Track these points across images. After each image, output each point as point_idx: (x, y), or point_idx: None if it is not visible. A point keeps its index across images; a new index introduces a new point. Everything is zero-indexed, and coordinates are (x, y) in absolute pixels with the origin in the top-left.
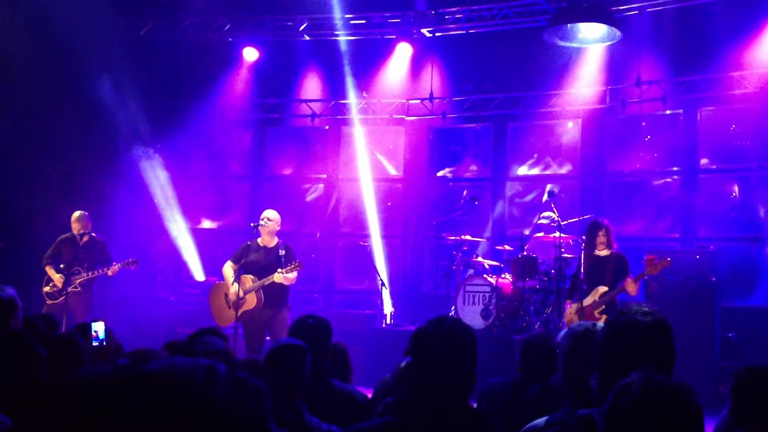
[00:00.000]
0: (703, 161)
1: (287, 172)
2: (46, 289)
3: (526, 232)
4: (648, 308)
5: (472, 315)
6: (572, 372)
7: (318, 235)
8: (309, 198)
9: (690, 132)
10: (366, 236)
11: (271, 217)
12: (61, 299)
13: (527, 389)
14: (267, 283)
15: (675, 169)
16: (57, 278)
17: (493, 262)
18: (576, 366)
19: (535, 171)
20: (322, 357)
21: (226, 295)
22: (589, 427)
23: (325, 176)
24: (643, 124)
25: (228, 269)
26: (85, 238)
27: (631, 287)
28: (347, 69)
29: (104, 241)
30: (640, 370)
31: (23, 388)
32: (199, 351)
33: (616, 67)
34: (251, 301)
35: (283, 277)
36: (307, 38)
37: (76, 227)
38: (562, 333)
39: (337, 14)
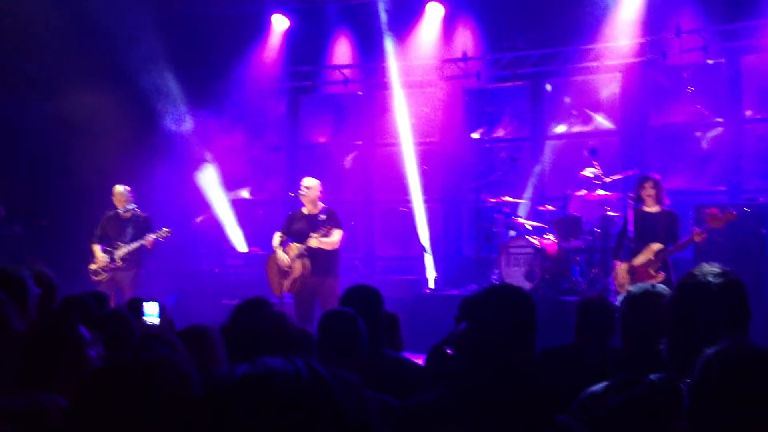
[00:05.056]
0: (748, 111)
1: (322, 139)
2: (92, 266)
3: (569, 191)
4: (720, 269)
5: (516, 277)
6: (633, 336)
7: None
8: (345, 165)
9: (733, 81)
10: (404, 201)
11: (309, 185)
12: (103, 276)
13: (586, 353)
14: (303, 249)
15: (719, 120)
16: (99, 256)
17: (536, 223)
18: (636, 329)
19: (575, 128)
20: (374, 327)
21: (278, 264)
22: (663, 393)
23: (360, 142)
24: (685, 75)
25: (275, 239)
26: (128, 214)
27: (698, 237)
28: (379, 32)
29: (148, 217)
30: (728, 337)
31: (76, 370)
32: None
33: (654, 17)
34: (297, 269)
35: (317, 242)
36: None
37: (116, 201)
38: (621, 297)
39: None
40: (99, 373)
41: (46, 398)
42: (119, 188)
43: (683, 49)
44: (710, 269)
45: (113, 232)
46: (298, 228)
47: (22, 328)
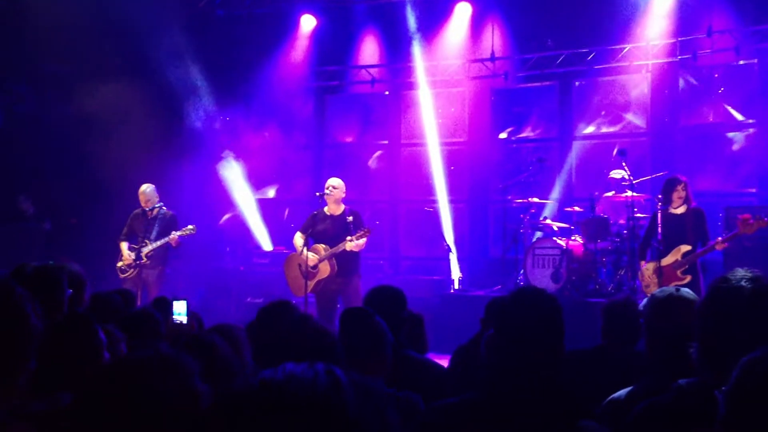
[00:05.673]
0: None
1: (349, 139)
2: (119, 264)
3: (596, 192)
4: (753, 274)
5: (541, 278)
6: (657, 340)
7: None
8: (371, 164)
9: (765, 82)
10: (430, 201)
11: (335, 185)
12: (130, 273)
13: (612, 356)
14: (338, 251)
15: (750, 121)
16: (126, 253)
17: (563, 224)
18: (660, 333)
19: (604, 129)
20: (397, 328)
21: (300, 265)
22: (694, 398)
23: (386, 142)
24: (716, 75)
25: (298, 239)
26: (155, 212)
27: (719, 246)
28: (406, 32)
29: (174, 214)
30: (765, 343)
31: (89, 368)
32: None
33: (685, 17)
34: (324, 271)
35: (354, 244)
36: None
37: (142, 200)
38: (645, 300)
39: None
40: (98, 372)
41: (68, 400)
42: (144, 186)
43: (714, 50)
44: (744, 274)
45: (140, 229)
46: (322, 228)
47: (41, 325)
